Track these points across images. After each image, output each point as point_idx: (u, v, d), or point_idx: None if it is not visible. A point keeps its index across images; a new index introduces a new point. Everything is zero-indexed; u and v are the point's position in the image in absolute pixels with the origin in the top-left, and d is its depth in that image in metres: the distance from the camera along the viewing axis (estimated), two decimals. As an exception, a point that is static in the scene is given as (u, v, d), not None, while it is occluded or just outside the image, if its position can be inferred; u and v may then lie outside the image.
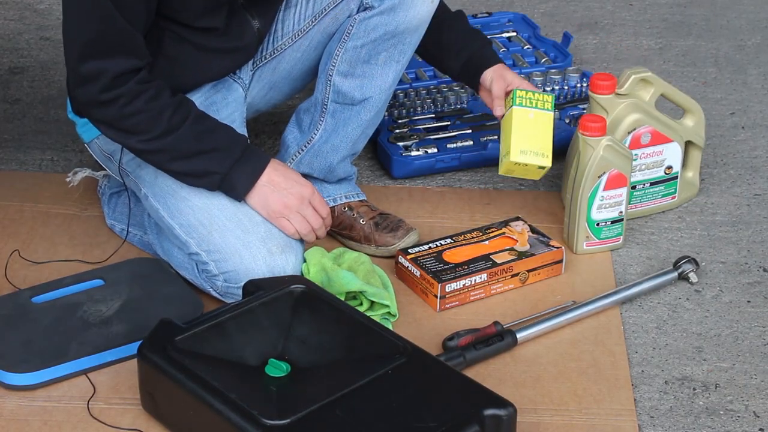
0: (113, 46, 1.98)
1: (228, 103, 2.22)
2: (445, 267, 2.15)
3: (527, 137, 2.21)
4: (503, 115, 2.27)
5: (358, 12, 2.22)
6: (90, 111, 2.04)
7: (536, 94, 2.24)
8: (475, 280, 2.15)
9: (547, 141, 2.22)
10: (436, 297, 2.12)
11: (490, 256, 2.19)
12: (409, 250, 2.20)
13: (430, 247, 2.21)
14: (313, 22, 2.26)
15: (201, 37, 2.10)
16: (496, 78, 2.29)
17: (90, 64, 1.97)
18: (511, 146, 2.21)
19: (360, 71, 2.22)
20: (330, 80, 2.24)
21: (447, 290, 2.13)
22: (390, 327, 2.05)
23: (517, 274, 2.18)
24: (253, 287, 1.96)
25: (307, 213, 2.10)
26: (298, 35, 2.28)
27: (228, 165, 2.05)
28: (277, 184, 2.08)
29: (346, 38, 2.21)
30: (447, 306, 2.13)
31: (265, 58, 2.30)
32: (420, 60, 2.86)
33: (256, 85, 2.32)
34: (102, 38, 1.97)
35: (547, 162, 2.21)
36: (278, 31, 2.28)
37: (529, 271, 2.19)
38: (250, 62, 2.29)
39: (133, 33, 1.99)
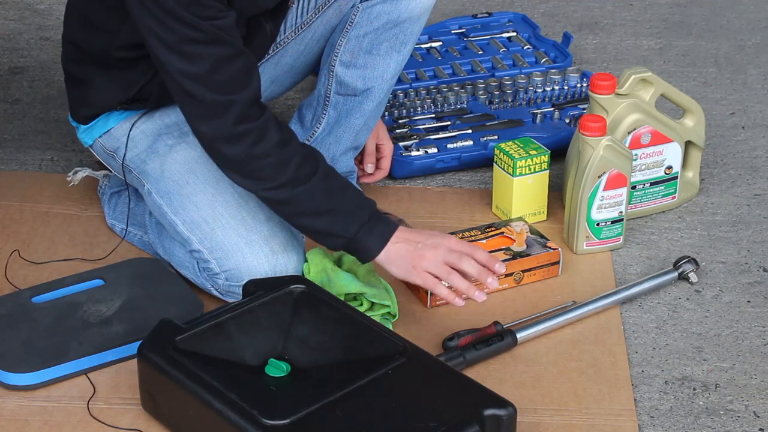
0: (241, 72, 1.93)
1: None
2: None
3: (525, 202, 2.35)
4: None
5: (361, 1, 2.23)
6: (218, 147, 1.96)
7: (535, 159, 2.31)
8: None
9: (542, 198, 2.37)
10: (427, 293, 2.12)
11: None
12: None
13: None
14: (316, 14, 2.27)
15: None
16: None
17: (222, 96, 1.92)
18: (512, 212, 2.34)
19: (362, 61, 2.23)
20: (332, 71, 2.25)
21: None
22: (390, 327, 2.05)
23: (511, 274, 2.18)
24: (252, 287, 1.96)
25: (450, 257, 1.99)
26: (301, 28, 2.28)
27: (353, 230, 1.98)
28: (410, 240, 2.01)
29: (349, 27, 2.22)
30: (438, 303, 2.13)
31: (268, 53, 2.30)
32: (419, 60, 2.87)
33: (258, 81, 2.32)
34: (226, 66, 1.92)
35: (542, 217, 2.38)
36: (281, 25, 2.28)
37: (523, 271, 2.19)
38: (254, 57, 2.29)
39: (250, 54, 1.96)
